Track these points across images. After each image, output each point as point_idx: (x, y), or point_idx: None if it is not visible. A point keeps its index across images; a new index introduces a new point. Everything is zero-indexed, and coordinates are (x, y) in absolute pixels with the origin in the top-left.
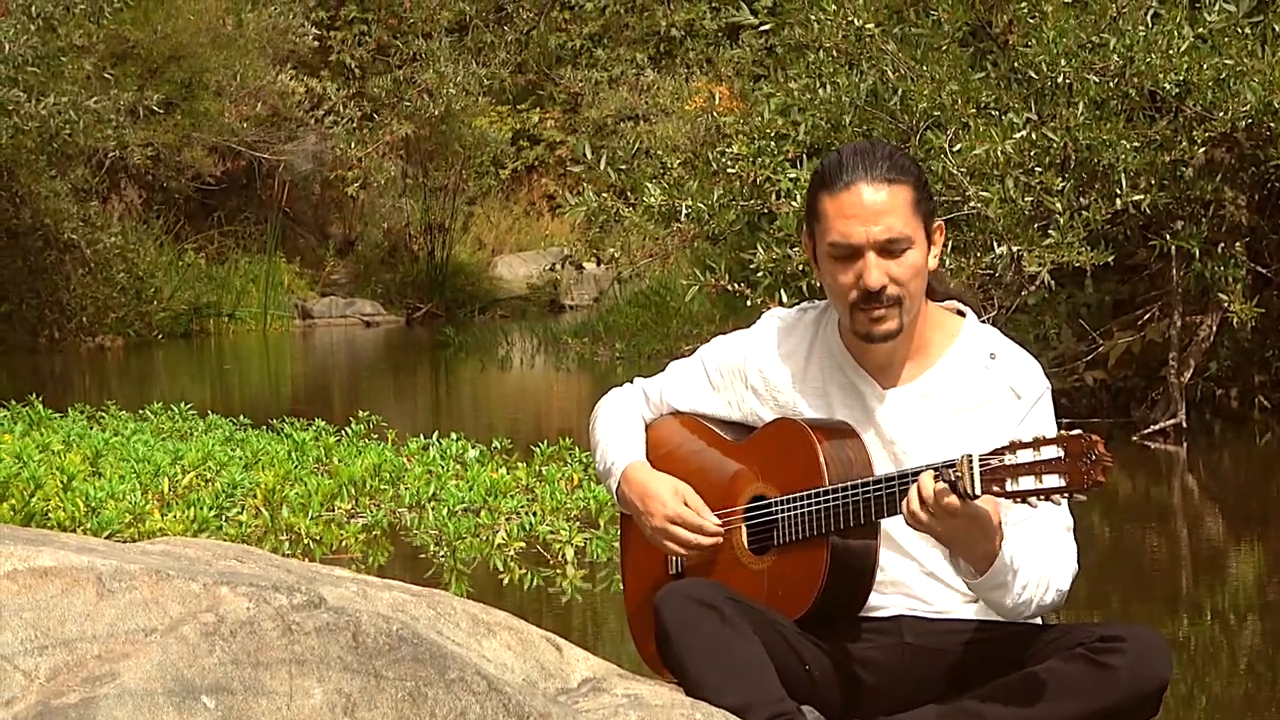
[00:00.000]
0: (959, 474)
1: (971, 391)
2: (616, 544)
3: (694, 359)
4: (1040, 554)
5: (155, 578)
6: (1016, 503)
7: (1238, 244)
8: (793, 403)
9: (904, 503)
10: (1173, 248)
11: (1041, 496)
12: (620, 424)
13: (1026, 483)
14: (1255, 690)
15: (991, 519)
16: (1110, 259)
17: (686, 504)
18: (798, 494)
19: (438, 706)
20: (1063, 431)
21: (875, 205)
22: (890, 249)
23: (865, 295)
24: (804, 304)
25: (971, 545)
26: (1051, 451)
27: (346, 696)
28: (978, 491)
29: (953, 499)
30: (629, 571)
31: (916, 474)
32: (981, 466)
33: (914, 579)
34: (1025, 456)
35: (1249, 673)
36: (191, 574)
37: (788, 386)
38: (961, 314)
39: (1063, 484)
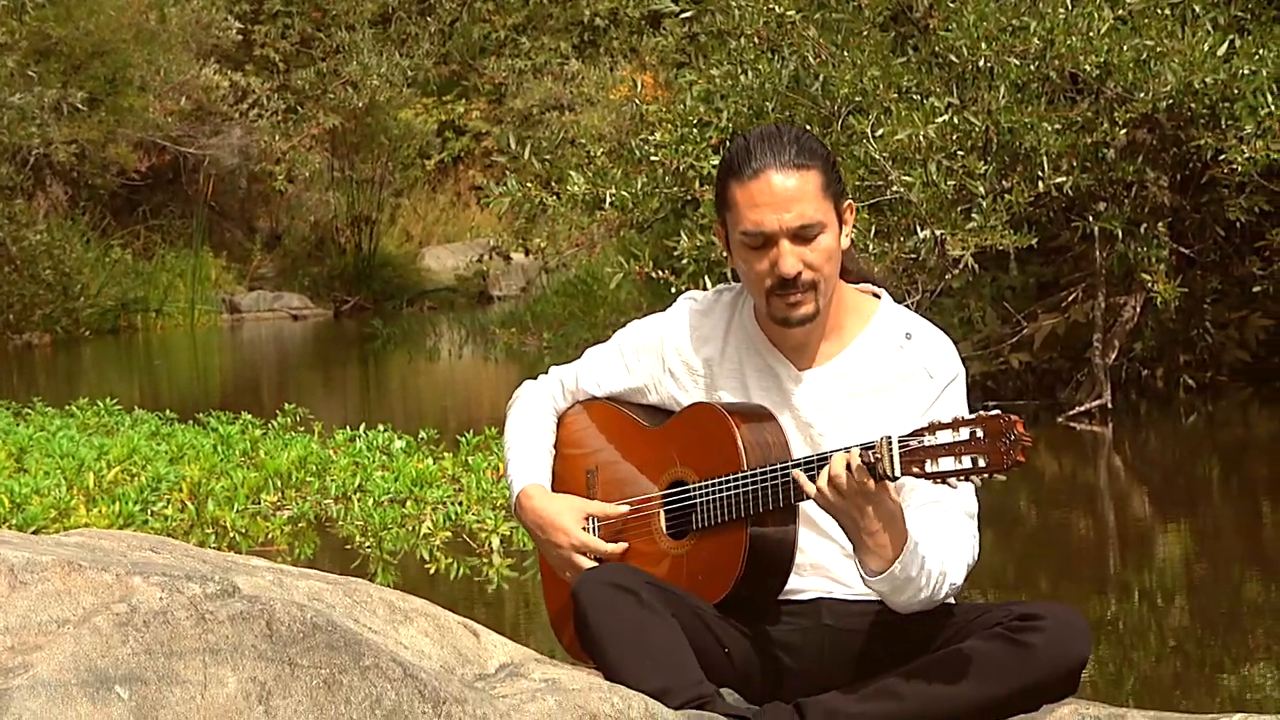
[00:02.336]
0: (878, 455)
1: (886, 371)
2: None
3: (610, 344)
4: (939, 548)
5: (67, 569)
6: (936, 483)
7: (1160, 225)
8: (710, 385)
9: (816, 480)
10: (1096, 229)
11: (961, 477)
12: (526, 432)
13: (946, 463)
14: (1183, 669)
15: (899, 516)
16: (1033, 241)
17: (589, 518)
18: (716, 479)
19: (353, 694)
20: (981, 412)
21: (786, 192)
22: (803, 235)
23: (781, 282)
24: (720, 286)
25: (877, 536)
26: (970, 432)
27: (261, 685)
28: (898, 473)
29: (869, 479)
30: (547, 563)
31: (832, 455)
32: (901, 448)
33: (834, 561)
34: (945, 437)
35: (1177, 652)
36: (104, 565)
37: (705, 369)
38: (877, 296)
39: (983, 464)
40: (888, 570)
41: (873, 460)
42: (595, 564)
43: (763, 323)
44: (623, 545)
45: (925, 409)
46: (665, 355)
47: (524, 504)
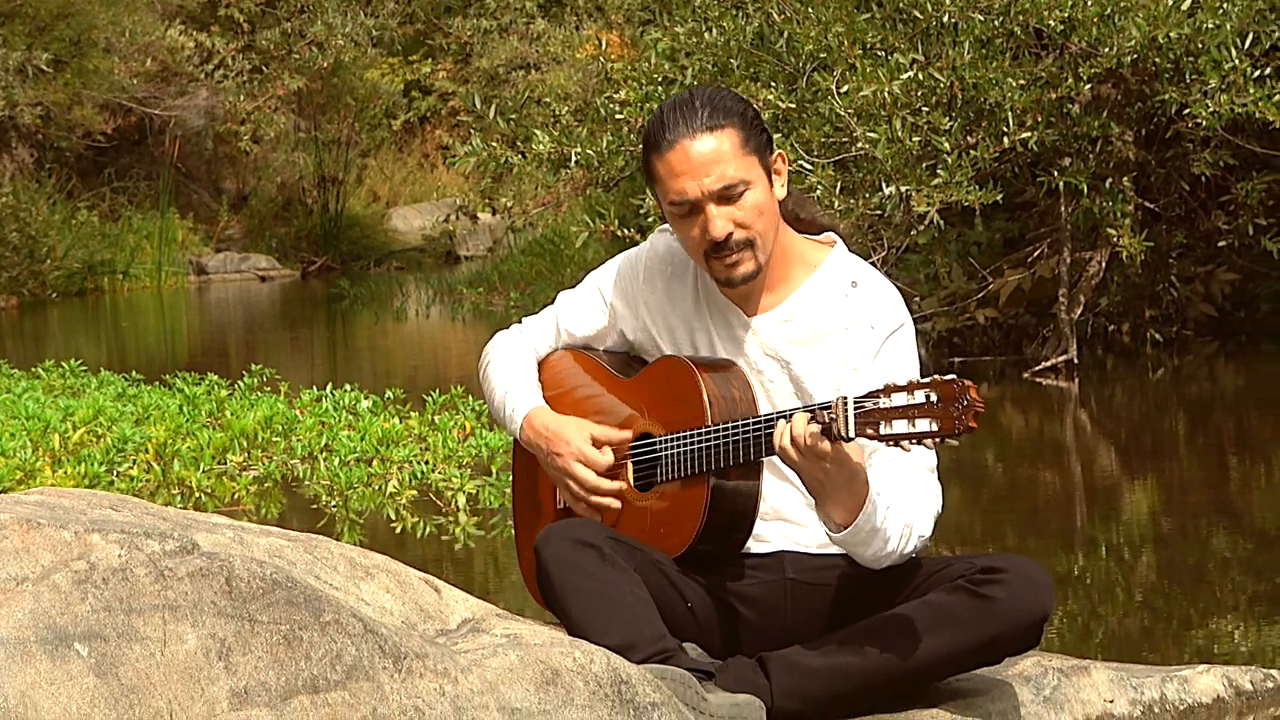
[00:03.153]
0: (833, 415)
1: (829, 319)
2: (509, 490)
3: (586, 284)
4: (904, 502)
5: (26, 526)
6: (889, 445)
7: (1125, 179)
8: (679, 322)
9: (775, 437)
10: (1061, 184)
11: (914, 440)
12: (516, 369)
13: (900, 426)
14: (1151, 623)
15: (860, 472)
16: (999, 197)
17: (594, 440)
18: (682, 432)
19: (313, 649)
20: (936, 376)
21: (702, 157)
22: (727, 195)
23: (714, 245)
24: None
25: (838, 492)
26: (925, 395)
27: (221, 641)
28: (852, 434)
29: (823, 440)
30: (520, 513)
31: (791, 414)
32: (856, 409)
33: (799, 512)
34: (899, 400)
35: (1144, 606)
36: (63, 523)
37: (674, 304)
38: (831, 244)
39: (935, 428)
40: (850, 525)
41: (828, 420)
42: (590, 474)
43: None
44: (619, 484)
45: (868, 360)
46: (641, 289)
47: (532, 421)
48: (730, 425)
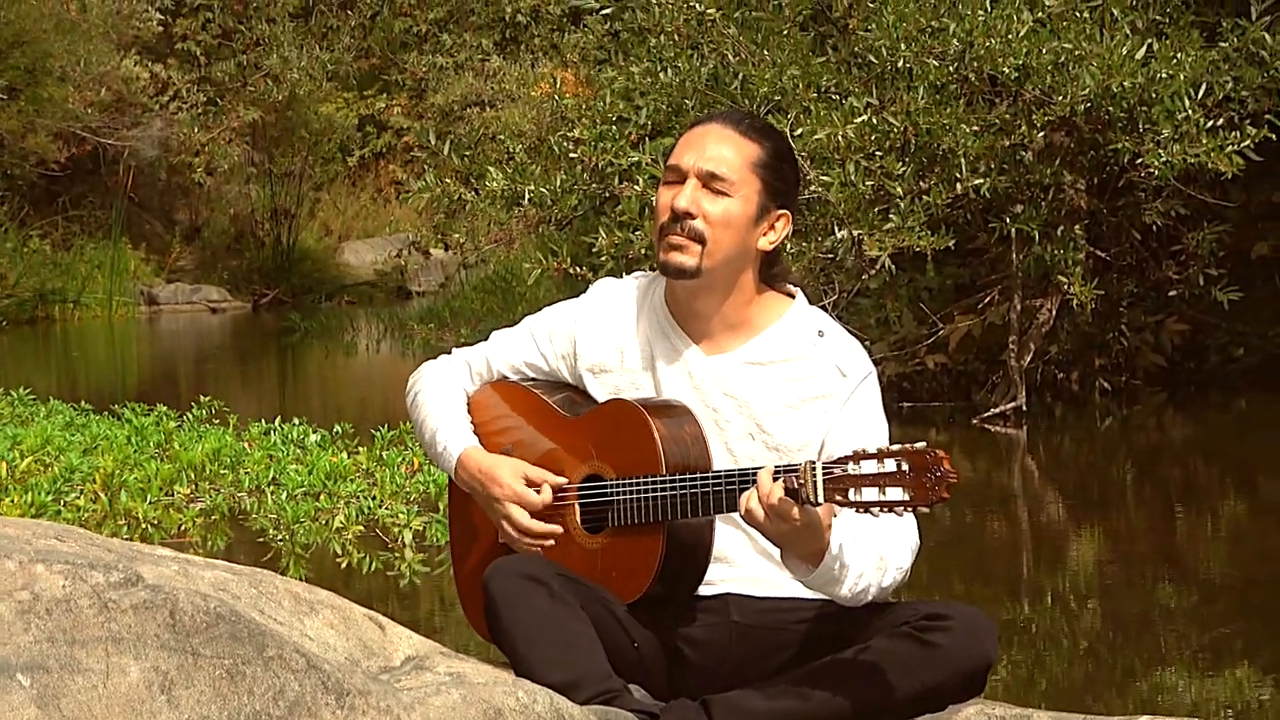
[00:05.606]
0: (801, 481)
1: (796, 365)
2: None
3: (521, 326)
4: (875, 537)
5: None
6: (859, 513)
7: (1077, 227)
8: (620, 367)
9: (741, 499)
10: (1013, 231)
11: (884, 509)
12: (446, 403)
13: (870, 494)
14: (1095, 672)
15: (823, 521)
16: (951, 243)
17: (528, 481)
18: (635, 479)
19: (255, 684)
20: (907, 446)
21: (715, 141)
22: (711, 184)
23: (671, 219)
24: (636, 273)
25: (802, 545)
26: (896, 464)
27: (164, 675)
28: (820, 500)
29: (792, 505)
30: (457, 547)
31: (756, 472)
32: (825, 475)
33: (745, 556)
34: (869, 468)
35: (1089, 655)
36: (7, 552)
37: (615, 349)
38: (792, 296)
39: (906, 498)
40: (813, 574)
41: (796, 486)
42: (526, 518)
43: (672, 306)
44: (554, 527)
45: (838, 406)
46: (578, 337)
47: (465, 463)
48: (689, 477)
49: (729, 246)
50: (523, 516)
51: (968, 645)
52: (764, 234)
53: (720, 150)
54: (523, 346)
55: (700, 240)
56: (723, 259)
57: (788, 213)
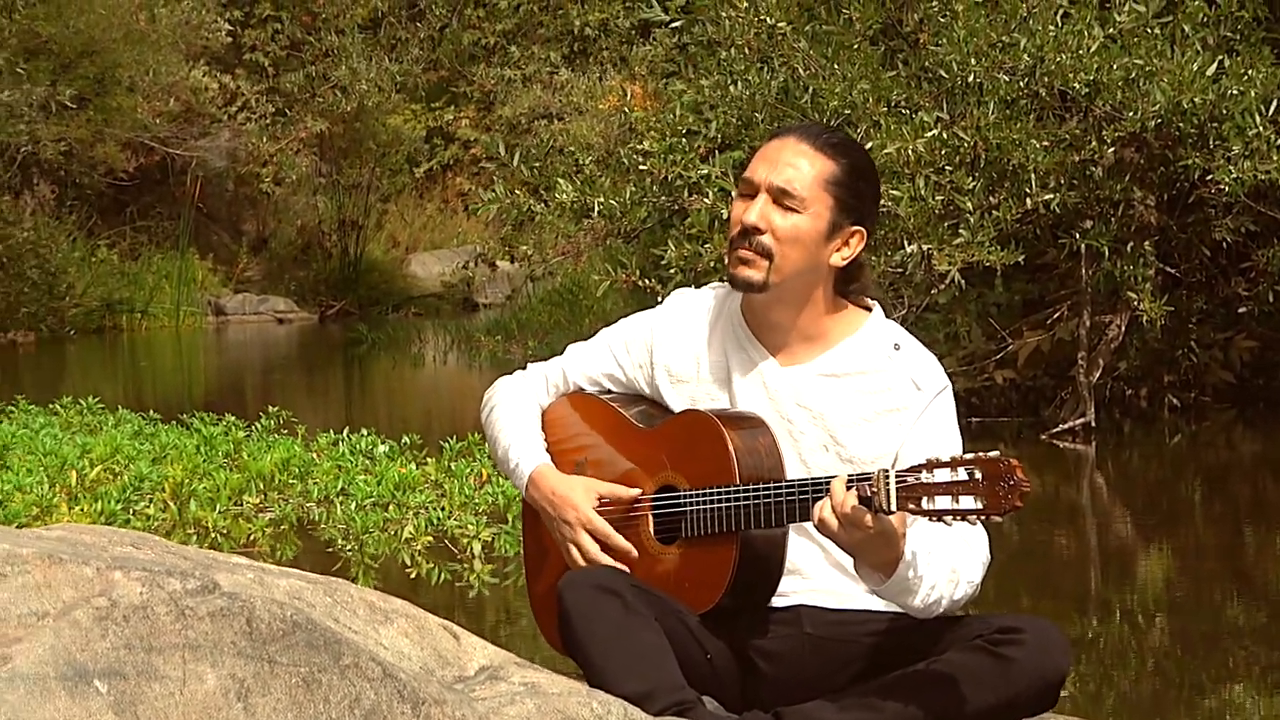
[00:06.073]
0: (874, 489)
1: (871, 378)
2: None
3: (598, 338)
4: (948, 549)
5: (48, 561)
6: (931, 521)
7: (1146, 243)
8: (697, 378)
9: (815, 508)
10: (1082, 247)
11: (957, 517)
12: (520, 419)
13: (942, 502)
14: (1163, 688)
15: (897, 530)
16: (1020, 258)
17: (601, 499)
18: (708, 489)
19: (331, 693)
20: (980, 454)
21: (786, 154)
22: (781, 200)
23: (741, 232)
24: (712, 284)
25: (876, 554)
26: (969, 472)
27: (240, 682)
28: (893, 508)
29: (865, 514)
30: (531, 556)
31: (829, 481)
32: (898, 484)
33: (818, 568)
34: (942, 476)
35: (1156, 671)
36: (85, 559)
37: (693, 361)
38: (869, 309)
39: (979, 506)
40: (891, 577)
41: (869, 494)
42: (597, 548)
43: (748, 316)
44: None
45: (913, 419)
46: (655, 347)
47: (537, 482)
48: (762, 487)
49: (797, 262)
50: (592, 546)
51: (1041, 659)
52: (836, 250)
53: (793, 166)
54: (600, 358)
55: (768, 256)
56: (791, 274)
57: (862, 229)
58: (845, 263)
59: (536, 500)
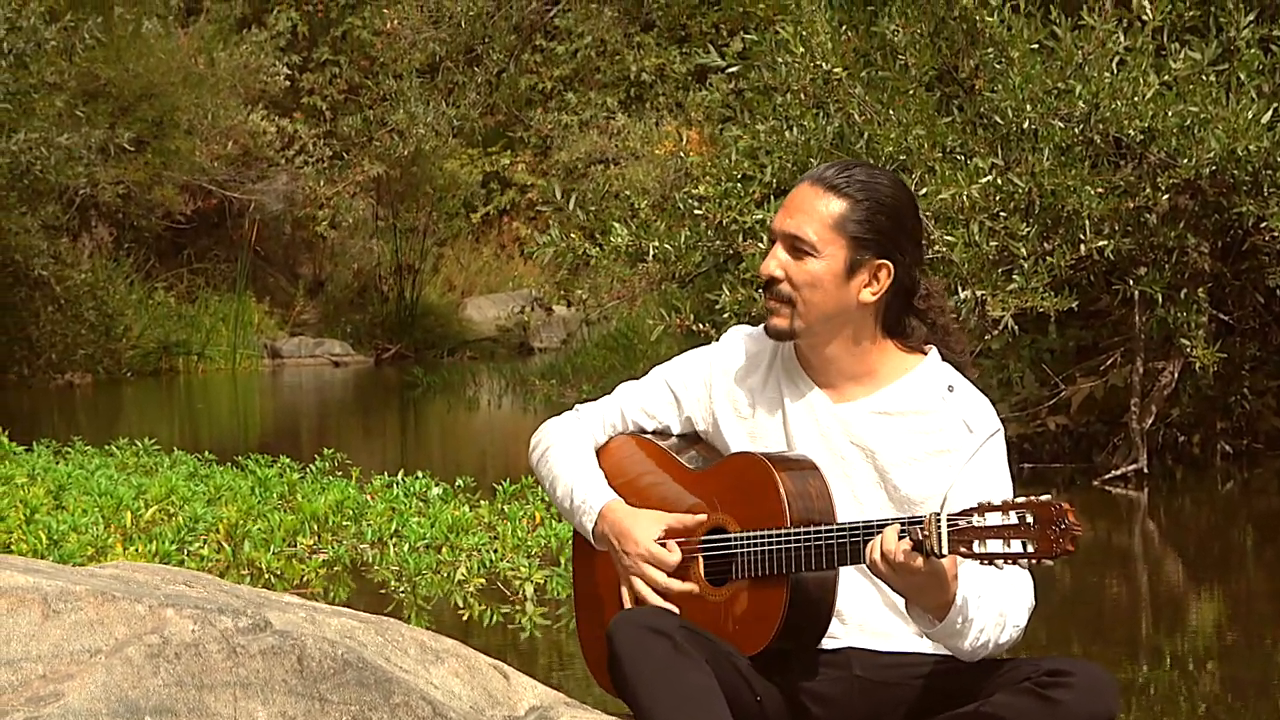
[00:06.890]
0: (926, 533)
1: (924, 418)
2: None
3: (653, 376)
4: (996, 593)
5: (101, 599)
6: (983, 564)
7: (1200, 290)
8: (752, 413)
9: (867, 549)
10: (1136, 293)
11: (1009, 561)
12: (578, 459)
13: (994, 546)
14: None
15: (949, 572)
16: (1074, 304)
17: (668, 531)
18: (759, 532)
19: None
20: (1032, 498)
21: (799, 202)
22: (794, 247)
23: (766, 282)
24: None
25: (928, 597)
26: (1020, 516)
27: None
28: (944, 551)
29: (917, 556)
30: (583, 597)
31: (882, 526)
32: (950, 527)
33: (867, 610)
34: (994, 520)
35: (1207, 717)
36: (138, 596)
37: (749, 397)
38: (924, 352)
39: (1031, 550)
40: (943, 620)
41: (920, 538)
42: (658, 575)
43: (800, 355)
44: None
45: (963, 461)
46: (713, 383)
47: (608, 516)
48: (814, 530)
49: (820, 305)
50: (658, 576)
51: (1090, 702)
52: (864, 286)
53: (803, 211)
54: (657, 394)
55: (789, 303)
56: (817, 318)
57: (889, 262)
58: (875, 298)
59: (604, 533)
